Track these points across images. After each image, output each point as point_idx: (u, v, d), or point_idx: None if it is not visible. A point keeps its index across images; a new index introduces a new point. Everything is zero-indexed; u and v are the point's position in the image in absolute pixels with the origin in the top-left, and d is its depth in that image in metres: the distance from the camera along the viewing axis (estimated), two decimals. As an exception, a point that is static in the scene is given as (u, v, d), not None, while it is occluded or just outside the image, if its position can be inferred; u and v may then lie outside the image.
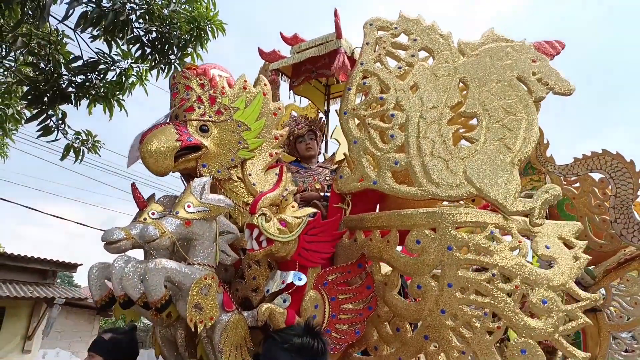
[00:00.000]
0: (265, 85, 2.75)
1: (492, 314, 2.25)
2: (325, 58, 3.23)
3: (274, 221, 2.23)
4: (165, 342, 2.43)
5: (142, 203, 2.34)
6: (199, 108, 2.54)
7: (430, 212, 2.44)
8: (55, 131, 4.64)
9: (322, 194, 3.20)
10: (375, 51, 3.04)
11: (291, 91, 3.58)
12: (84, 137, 4.76)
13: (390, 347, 2.50)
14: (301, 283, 2.27)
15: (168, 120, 2.55)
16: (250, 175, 2.57)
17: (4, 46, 4.65)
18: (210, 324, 2.07)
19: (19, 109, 5.62)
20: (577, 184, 4.73)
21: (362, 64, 3.00)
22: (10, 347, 9.32)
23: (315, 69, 3.33)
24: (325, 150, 3.86)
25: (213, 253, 2.24)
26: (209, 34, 4.80)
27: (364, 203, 2.88)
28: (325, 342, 1.71)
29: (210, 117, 2.54)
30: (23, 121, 5.61)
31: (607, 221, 4.41)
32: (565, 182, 4.78)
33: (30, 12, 4.49)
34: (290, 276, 2.28)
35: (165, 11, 4.76)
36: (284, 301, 2.22)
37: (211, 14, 4.90)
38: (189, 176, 2.58)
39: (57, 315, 9.54)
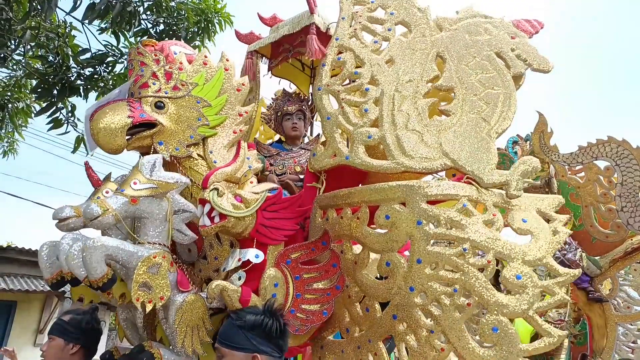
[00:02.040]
0: (227, 60, 2.67)
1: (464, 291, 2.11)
2: (302, 36, 3.12)
3: (228, 196, 2.13)
4: (128, 324, 2.36)
5: (97, 182, 2.28)
6: (154, 84, 2.45)
7: (400, 185, 2.31)
8: (65, 124, 4.69)
9: (301, 176, 3.09)
10: (351, 26, 2.95)
11: (269, 72, 3.48)
12: (94, 130, 4.74)
13: (361, 328, 2.37)
14: (258, 260, 2.17)
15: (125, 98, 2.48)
16: (211, 152, 2.48)
17: (12, 39, 4.70)
18: (160, 303, 1.99)
19: (28, 102, 5.76)
20: (582, 173, 4.55)
21: (337, 39, 2.91)
22: (22, 340, 9.42)
23: (292, 47, 3.23)
24: (312, 134, 3.76)
25: (165, 231, 2.16)
26: (217, 26, 4.79)
27: (338, 182, 2.76)
28: (283, 322, 1.62)
29: (166, 92, 2.45)
30: (33, 114, 5.81)
31: (613, 210, 4.24)
32: (569, 171, 4.60)
33: (37, 5, 4.55)
34: (248, 254, 2.18)
35: (173, 3, 4.79)
36: (239, 278, 2.12)
37: (219, 6, 4.92)
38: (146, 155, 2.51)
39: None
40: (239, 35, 3.44)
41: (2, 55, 4.68)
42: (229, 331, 1.59)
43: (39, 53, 4.92)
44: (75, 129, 4.59)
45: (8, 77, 5.69)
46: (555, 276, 2.11)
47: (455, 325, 2.05)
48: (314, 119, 3.76)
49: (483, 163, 2.35)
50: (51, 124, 4.41)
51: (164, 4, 4.47)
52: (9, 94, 5.64)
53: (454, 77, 2.66)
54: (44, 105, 4.53)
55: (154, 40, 2.56)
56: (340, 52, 2.89)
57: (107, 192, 2.17)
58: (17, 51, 4.84)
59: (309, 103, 3.58)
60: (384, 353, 2.24)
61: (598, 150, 4.12)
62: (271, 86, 3.81)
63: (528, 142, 4.58)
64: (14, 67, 5.42)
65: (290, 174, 3.19)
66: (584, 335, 4.37)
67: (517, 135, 4.71)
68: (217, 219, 2.08)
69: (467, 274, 2.08)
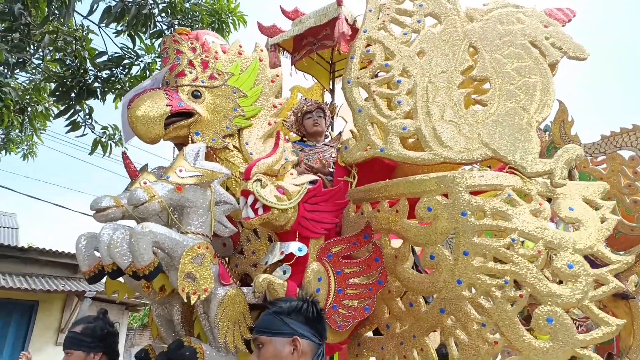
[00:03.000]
0: (262, 51, 2.61)
1: (514, 282, 2.05)
2: (327, 29, 3.09)
3: (271, 188, 2.07)
4: (162, 321, 2.28)
5: (134, 172, 2.21)
6: (191, 73, 2.39)
7: (441, 177, 2.26)
8: (83, 126, 4.70)
9: (329, 169, 3.04)
10: (378, 18, 2.91)
11: (293, 66, 3.44)
12: (111, 132, 4.83)
13: (404, 324, 2.31)
14: (302, 254, 2.11)
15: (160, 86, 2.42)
16: (247, 144, 2.42)
17: (32, 44, 4.79)
18: (204, 295, 1.92)
19: (47, 105, 5.88)
20: (605, 164, 4.46)
21: (365, 31, 2.86)
22: (44, 339, 9.41)
23: (317, 40, 3.19)
24: (332, 130, 3.71)
25: (208, 222, 2.09)
26: (231, 26, 4.80)
27: (370, 175, 2.71)
28: (320, 309, 1.56)
29: (202, 82, 2.39)
30: (51, 117, 5.91)
31: (638, 202, 4.12)
32: (592, 162, 4.52)
33: (56, 9, 4.59)
34: (291, 247, 2.12)
35: (187, 4, 4.83)
36: (284, 272, 2.06)
37: (232, 5, 4.93)
38: (181, 146, 2.44)
39: (88, 308, 9.62)
40: (261, 28, 3.40)
41: (21, 60, 4.75)
42: (267, 319, 1.53)
43: (57, 57, 5.02)
44: (92, 131, 4.60)
45: (27, 81, 5.78)
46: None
47: (507, 317, 1.99)
48: (334, 119, 3.75)
49: (525, 152, 2.30)
50: (69, 127, 4.44)
51: (178, 6, 4.49)
52: (28, 97, 5.71)
53: (488, 66, 2.62)
54: (62, 108, 4.57)
55: (188, 29, 2.50)
56: (368, 45, 2.84)
57: (144, 183, 2.10)
58: (36, 55, 4.92)
59: (328, 104, 3.61)
60: (431, 348, 2.18)
61: (622, 139, 4.05)
62: (287, 81, 3.76)
63: (547, 132, 4.50)
64: (33, 71, 5.51)
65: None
66: (610, 334, 4.28)
67: None
68: (260, 211, 2.02)
69: (517, 264, 2.02)
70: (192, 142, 2.31)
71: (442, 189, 2.24)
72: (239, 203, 2.25)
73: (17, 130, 6.35)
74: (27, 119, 5.87)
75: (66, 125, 4.51)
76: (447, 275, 2.13)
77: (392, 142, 2.48)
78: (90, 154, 4.65)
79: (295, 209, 2.13)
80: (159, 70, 2.55)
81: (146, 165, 2.27)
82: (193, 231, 2.04)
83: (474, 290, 2.08)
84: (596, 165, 4.38)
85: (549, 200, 2.25)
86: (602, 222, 2.13)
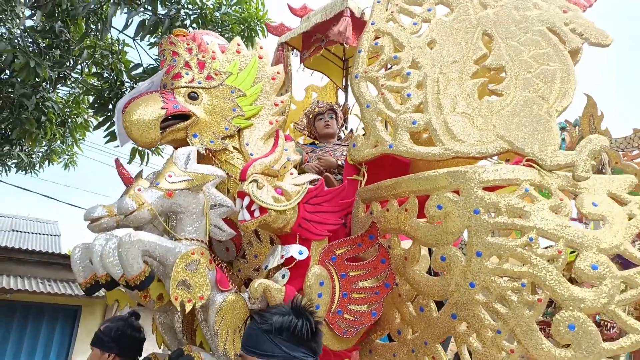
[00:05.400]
0: (261, 48, 2.52)
1: (532, 285, 1.90)
2: (335, 24, 2.98)
3: (268, 188, 1.98)
4: (165, 329, 2.23)
5: (128, 179, 2.17)
6: (187, 74, 2.33)
7: (452, 172, 2.11)
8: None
9: (339, 162, 2.94)
10: (387, 9, 2.78)
11: (302, 64, 3.35)
12: (148, 141, 4.98)
13: (415, 330, 2.17)
14: (302, 257, 2.00)
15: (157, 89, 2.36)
16: (247, 144, 2.34)
17: (71, 59, 5.11)
18: (200, 303, 1.84)
19: (86, 117, 6.30)
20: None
21: (373, 23, 2.75)
22: (87, 343, 9.62)
23: (325, 37, 3.09)
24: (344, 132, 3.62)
25: (203, 227, 2.01)
26: (260, 33, 4.87)
27: (381, 173, 2.58)
28: (314, 321, 1.41)
29: (199, 83, 2.32)
30: (91, 129, 6.31)
31: (675, 198, 3.88)
32: (624, 157, 4.26)
33: (93, 25, 4.80)
34: (291, 250, 2.02)
35: (217, 14, 4.95)
36: (282, 277, 1.96)
37: (260, 13, 4.98)
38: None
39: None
40: (269, 28, 3.34)
41: (62, 75, 5.05)
42: (255, 336, 1.40)
43: (95, 70, 5.36)
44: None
45: (67, 95, 6.14)
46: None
47: (525, 323, 1.83)
48: (347, 121, 3.66)
49: (544, 144, 2.13)
50: (108, 137, 4.63)
51: (209, 16, 4.64)
52: (68, 110, 6.08)
53: (504, 54, 2.45)
54: (100, 119, 4.83)
55: (186, 30, 2.45)
56: (377, 38, 2.73)
57: (139, 190, 2.05)
58: (75, 69, 5.23)
59: (340, 106, 3.52)
60: (443, 356, 2.04)
61: None
62: (302, 81, 3.70)
63: (577, 127, 4.27)
64: (73, 84, 5.83)
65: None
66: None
67: (565, 120, 4.40)
68: (257, 213, 1.92)
69: (535, 266, 1.86)
70: (190, 144, 2.24)
71: (453, 186, 2.09)
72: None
73: (58, 142, 6.76)
74: (68, 131, 6.31)
75: (105, 136, 4.67)
76: (459, 277, 1.98)
77: (402, 137, 2.35)
78: (129, 162, 4.82)
79: (295, 210, 2.03)
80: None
81: (141, 171, 2.22)
82: (187, 237, 1.97)
83: (488, 294, 1.93)
84: (630, 159, 4.12)
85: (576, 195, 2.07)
86: (629, 219, 1.94)
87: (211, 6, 5.00)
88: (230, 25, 4.75)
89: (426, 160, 2.44)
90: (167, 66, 2.35)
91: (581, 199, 2.02)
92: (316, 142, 3.44)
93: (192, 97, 2.30)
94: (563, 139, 4.26)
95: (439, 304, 2.15)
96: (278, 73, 2.54)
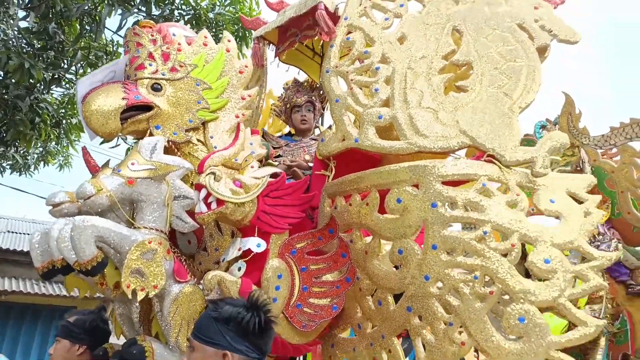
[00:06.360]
0: (229, 41, 2.53)
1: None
2: (310, 18, 2.98)
3: (226, 181, 1.99)
4: (124, 319, 2.22)
5: (94, 168, 2.18)
6: (150, 65, 2.33)
7: (412, 166, 2.13)
8: (116, 137, 4.82)
9: (310, 164, 2.93)
10: (360, 4, 2.79)
11: (276, 58, 3.34)
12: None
13: (374, 323, 2.18)
14: (260, 250, 2.01)
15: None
16: (212, 137, 2.34)
17: (65, 60, 5.16)
18: (153, 292, 1.85)
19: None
20: (618, 157, 4.19)
21: (346, 18, 2.76)
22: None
23: (300, 31, 3.08)
24: (322, 124, 3.59)
25: (163, 217, 2.03)
26: (253, 33, 4.86)
27: (351, 168, 2.59)
28: (266, 319, 1.39)
29: (163, 74, 2.33)
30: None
31: (653, 195, 3.87)
32: (607, 155, 4.25)
33: (87, 26, 4.83)
34: (249, 243, 2.03)
35: (211, 14, 4.96)
36: (239, 269, 1.97)
37: (254, 13, 4.99)
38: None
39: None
40: (244, 22, 3.33)
41: (56, 76, 5.08)
42: (204, 323, 1.40)
43: (89, 71, 5.27)
44: (125, 142, 4.72)
45: (62, 96, 6.15)
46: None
47: (476, 316, 1.83)
48: (325, 109, 3.61)
49: (505, 140, 2.14)
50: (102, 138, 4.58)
51: (203, 17, 4.67)
52: (63, 111, 6.08)
53: (472, 50, 2.46)
54: None
55: (152, 22, 2.46)
56: (349, 32, 2.73)
57: (101, 177, 2.06)
58: (70, 71, 5.26)
59: (320, 92, 3.43)
60: (399, 350, 2.04)
61: (632, 130, 3.79)
62: (284, 76, 3.66)
63: (557, 125, 4.27)
64: (67, 85, 5.84)
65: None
66: (624, 333, 3.98)
67: (546, 119, 4.39)
68: (214, 205, 1.94)
69: (488, 259, 1.86)
70: (152, 136, 2.25)
71: (413, 180, 2.11)
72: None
73: (53, 143, 6.76)
74: (63, 132, 6.29)
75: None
76: (415, 270, 1.99)
77: (367, 131, 2.36)
78: None
79: (254, 203, 2.04)
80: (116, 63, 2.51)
81: (108, 161, 2.23)
82: (145, 226, 1.98)
83: (442, 286, 1.94)
84: (609, 157, 4.12)
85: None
86: (585, 216, 1.95)
87: (205, 7, 5.04)
88: (224, 25, 4.77)
89: (396, 155, 2.46)
90: (131, 57, 2.36)
91: (539, 195, 2.03)
92: (292, 132, 3.39)
93: (156, 88, 2.30)
94: (544, 137, 4.24)
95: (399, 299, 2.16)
96: (246, 66, 2.55)
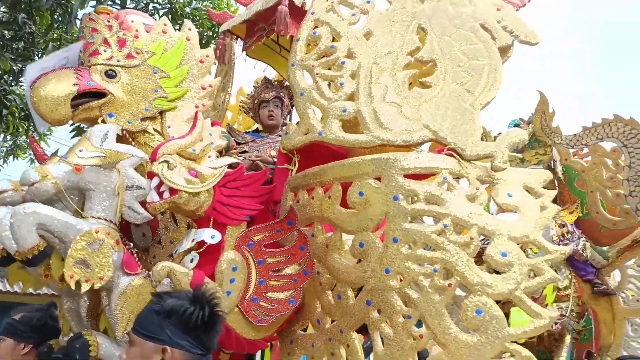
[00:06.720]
0: (189, 30, 2.47)
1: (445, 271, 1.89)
2: (275, 13, 2.94)
3: (181, 170, 1.92)
4: (72, 315, 2.09)
5: (42, 157, 2.08)
6: (105, 51, 2.23)
7: (375, 159, 2.11)
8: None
9: (275, 160, 2.88)
10: (327, 0, 2.78)
11: (244, 52, 3.28)
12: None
13: (334, 318, 2.14)
14: (214, 241, 1.94)
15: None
16: (169, 127, 2.25)
17: (36, 52, 5.03)
18: (99, 284, 1.76)
19: None
20: (589, 157, 4.28)
21: (312, 13, 2.73)
22: None
23: (267, 26, 3.04)
24: (290, 121, 3.55)
25: (113, 207, 1.93)
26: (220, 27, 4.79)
27: (315, 161, 2.56)
28: (212, 314, 1.32)
29: (118, 61, 2.24)
30: None
31: (621, 195, 3.95)
32: (574, 155, 4.34)
33: (59, 18, 4.62)
34: (203, 234, 1.96)
35: (188, 9, 4.85)
36: (191, 261, 1.90)
37: (232, 9, 4.90)
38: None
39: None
40: (211, 15, 3.27)
41: (26, 68, 4.84)
42: (145, 316, 1.33)
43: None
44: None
45: None
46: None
47: (434, 308, 1.82)
48: (293, 107, 3.58)
49: (466, 134, 2.16)
50: (74, 132, 4.48)
51: (179, 11, 4.58)
52: None
53: (435, 48, 2.48)
54: None
55: (110, 8, 2.37)
56: (316, 27, 2.71)
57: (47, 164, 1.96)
58: None
59: (289, 90, 3.41)
60: (357, 344, 2.01)
61: (604, 130, 3.86)
62: (257, 74, 3.62)
63: (531, 124, 4.33)
64: None
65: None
66: (589, 331, 4.05)
67: (520, 118, 4.44)
68: (166, 194, 1.86)
69: (448, 252, 1.86)
70: (104, 123, 2.16)
71: (375, 172, 2.09)
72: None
73: (23, 137, 6.53)
74: (33, 126, 5.98)
75: (71, 131, 4.57)
76: (376, 263, 1.97)
77: (331, 125, 2.33)
78: None
79: (210, 193, 1.97)
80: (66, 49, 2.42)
81: (57, 150, 2.13)
82: (93, 215, 1.88)
83: (402, 280, 1.92)
84: (580, 157, 4.21)
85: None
86: (542, 210, 1.97)
87: (181, 1, 4.97)
88: (201, 20, 4.71)
89: (360, 149, 2.44)
90: (85, 43, 2.26)
91: (497, 189, 2.04)
92: (260, 129, 3.35)
93: (110, 75, 2.21)
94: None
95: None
96: (207, 56, 2.47)
